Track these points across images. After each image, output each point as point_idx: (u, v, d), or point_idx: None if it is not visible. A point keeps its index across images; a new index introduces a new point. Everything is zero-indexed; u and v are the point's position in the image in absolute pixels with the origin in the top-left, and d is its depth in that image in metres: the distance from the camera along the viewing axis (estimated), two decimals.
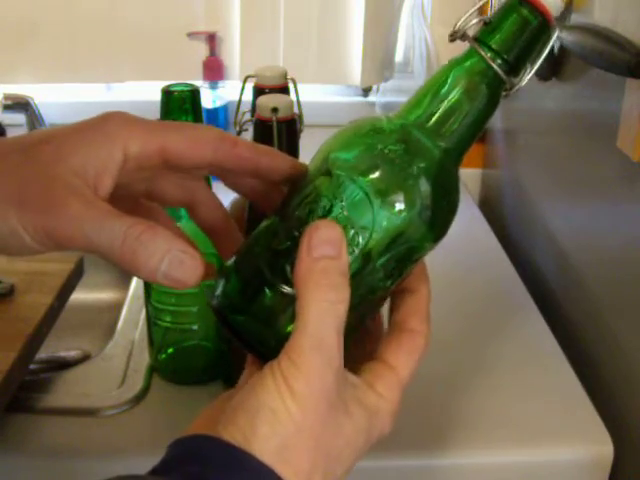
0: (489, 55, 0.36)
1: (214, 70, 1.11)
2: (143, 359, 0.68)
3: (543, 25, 0.36)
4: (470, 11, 0.36)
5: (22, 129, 1.05)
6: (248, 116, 0.67)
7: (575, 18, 0.70)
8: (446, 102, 0.36)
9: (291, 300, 0.35)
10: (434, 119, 0.36)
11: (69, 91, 1.14)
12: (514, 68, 0.36)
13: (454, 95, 0.36)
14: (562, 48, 0.75)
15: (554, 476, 0.61)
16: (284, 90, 0.66)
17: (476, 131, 0.37)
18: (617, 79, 0.60)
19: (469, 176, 1.14)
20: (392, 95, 1.09)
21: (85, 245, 0.34)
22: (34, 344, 0.61)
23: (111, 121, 0.37)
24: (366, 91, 1.17)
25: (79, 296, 0.73)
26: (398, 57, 1.07)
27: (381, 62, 1.10)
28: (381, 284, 0.37)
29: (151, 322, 0.66)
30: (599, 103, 0.69)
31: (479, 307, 0.79)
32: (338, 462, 0.36)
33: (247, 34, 1.09)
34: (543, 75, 0.79)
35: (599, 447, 0.61)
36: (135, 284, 0.81)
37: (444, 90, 0.37)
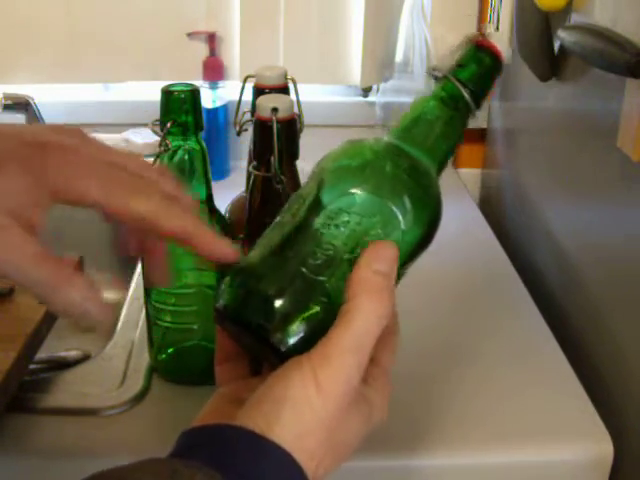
0: (460, 85, 0.45)
1: (214, 70, 1.11)
2: (143, 359, 0.68)
3: (497, 65, 0.46)
4: (449, 55, 0.47)
5: None
6: (248, 116, 0.67)
7: (575, 18, 0.70)
8: (431, 123, 0.45)
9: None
10: (422, 137, 0.45)
11: (69, 91, 1.14)
12: (476, 96, 0.46)
13: (435, 117, 0.45)
14: (562, 48, 0.75)
15: (554, 476, 0.61)
16: (284, 90, 0.66)
17: (452, 146, 0.46)
18: (617, 79, 0.60)
19: (469, 176, 1.14)
20: (392, 95, 1.09)
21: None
22: (34, 344, 0.61)
23: (47, 159, 0.38)
24: (366, 91, 1.16)
25: None
26: (398, 57, 1.07)
27: (381, 62, 1.10)
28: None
29: (151, 322, 0.66)
30: (599, 103, 0.69)
31: (478, 307, 0.79)
32: (345, 451, 0.39)
33: (247, 34, 1.09)
34: (543, 75, 0.79)
35: (599, 447, 0.61)
36: (135, 284, 0.81)
37: (428, 114, 0.45)
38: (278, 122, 0.53)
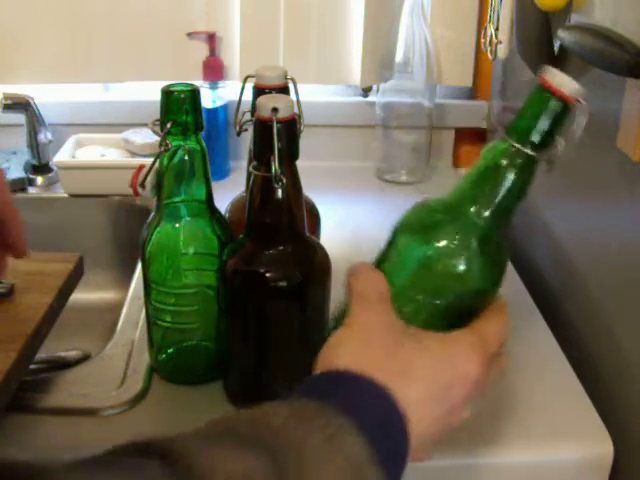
0: (517, 139, 0.44)
1: (214, 70, 1.11)
2: (143, 359, 0.68)
3: (565, 110, 0.43)
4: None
5: (22, 129, 1.05)
6: (248, 116, 0.67)
7: (575, 18, 0.70)
8: (490, 182, 0.46)
9: None
10: (482, 198, 0.46)
11: (69, 91, 1.14)
12: (542, 145, 0.44)
13: (496, 175, 0.45)
14: (562, 48, 0.75)
15: (554, 476, 0.61)
16: (284, 90, 0.66)
17: (518, 200, 0.47)
18: (617, 79, 0.60)
19: None
20: (392, 95, 1.09)
21: None
22: (34, 344, 0.61)
23: None
24: (366, 91, 1.16)
25: (79, 296, 0.73)
26: (398, 57, 1.07)
27: (381, 62, 1.10)
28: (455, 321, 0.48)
29: (151, 322, 0.66)
30: (599, 103, 0.68)
31: None
32: (419, 375, 0.44)
33: (247, 34, 1.09)
34: None
35: (599, 447, 0.61)
36: (135, 284, 0.81)
37: (488, 173, 0.46)
38: (278, 122, 0.53)
